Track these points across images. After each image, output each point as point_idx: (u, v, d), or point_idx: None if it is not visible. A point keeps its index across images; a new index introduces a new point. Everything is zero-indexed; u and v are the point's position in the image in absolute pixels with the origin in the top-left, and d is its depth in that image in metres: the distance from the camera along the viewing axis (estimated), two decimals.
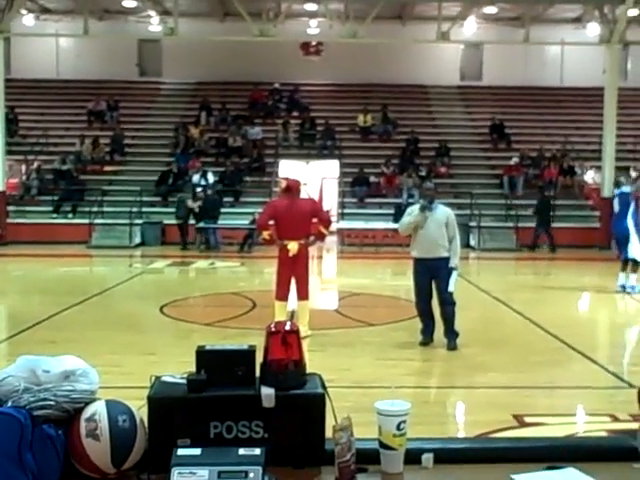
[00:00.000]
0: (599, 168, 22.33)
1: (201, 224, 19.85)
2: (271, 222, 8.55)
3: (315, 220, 8.64)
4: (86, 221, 20.79)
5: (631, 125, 25.18)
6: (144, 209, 21.70)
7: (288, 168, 24.46)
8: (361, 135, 25.65)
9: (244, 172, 23.29)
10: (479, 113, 26.60)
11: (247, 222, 19.62)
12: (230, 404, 2.65)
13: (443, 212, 8.04)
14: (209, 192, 20.76)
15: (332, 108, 26.43)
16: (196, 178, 21.81)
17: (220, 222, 20.19)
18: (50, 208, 21.61)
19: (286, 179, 9.35)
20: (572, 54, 27.49)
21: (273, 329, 2.76)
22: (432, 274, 8.03)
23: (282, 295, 8.46)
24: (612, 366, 7.49)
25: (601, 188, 21.82)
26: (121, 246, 19.65)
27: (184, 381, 2.67)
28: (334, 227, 23.02)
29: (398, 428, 2.54)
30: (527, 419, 5.79)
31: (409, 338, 8.78)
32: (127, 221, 20.60)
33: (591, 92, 24.85)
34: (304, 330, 8.52)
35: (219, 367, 2.70)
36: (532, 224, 21.17)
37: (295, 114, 26.23)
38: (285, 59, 26.24)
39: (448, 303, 8.08)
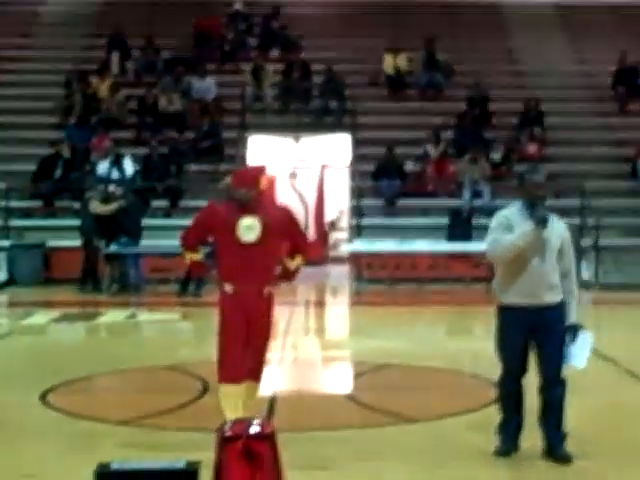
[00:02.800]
0: None
1: (112, 247, 19.84)
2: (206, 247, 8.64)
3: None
4: None
5: None
6: (12, 223, 21.75)
7: (264, 148, 24.51)
8: (390, 91, 25.77)
9: (187, 156, 23.30)
10: (594, 51, 26.78)
11: None
12: None
13: (556, 229, 8.04)
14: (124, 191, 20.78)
15: (338, 44, 26.58)
16: (103, 168, 21.81)
17: (144, 243, 20.15)
18: None
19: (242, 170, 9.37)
20: None
21: (228, 434, 2.73)
22: (533, 333, 7.99)
23: (233, 374, 8.43)
24: None
25: None
26: None
27: None
28: (344, 251, 23.15)
29: None
30: None
31: (479, 442, 8.72)
32: None
33: None
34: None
35: None
36: None
37: (274, 55, 26.33)
38: None
39: (556, 384, 8.05)
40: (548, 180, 20.60)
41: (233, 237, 8.29)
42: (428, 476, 7.85)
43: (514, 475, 8.00)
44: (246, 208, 8.34)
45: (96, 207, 19.99)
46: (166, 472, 2.70)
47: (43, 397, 10.49)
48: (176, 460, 2.56)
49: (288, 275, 8.78)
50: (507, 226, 7.97)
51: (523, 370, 8.10)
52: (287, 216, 8.76)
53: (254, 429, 2.62)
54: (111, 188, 20.66)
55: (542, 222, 7.83)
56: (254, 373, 8.51)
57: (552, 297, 7.90)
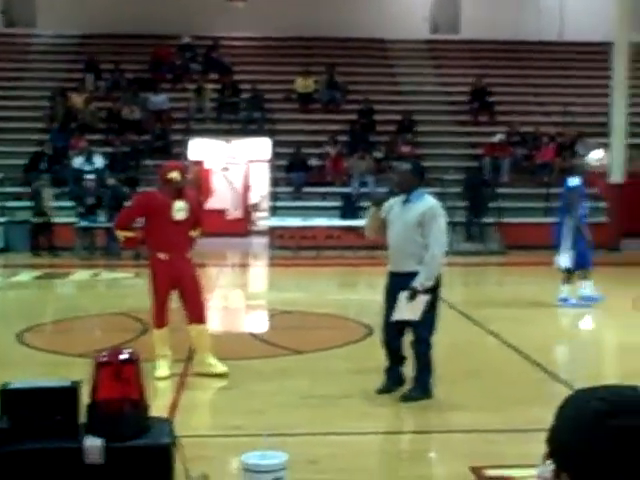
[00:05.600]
0: (607, 146, 22.68)
1: (84, 223, 19.62)
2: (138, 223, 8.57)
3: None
4: None
5: None
6: (8, 204, 21.45)
7: (202, 148, 24.39)
8: (300, 105, 25.70)
9: (143, 154, 23.11)
10: (454, 76, 26.87)
11: None
12: (44, 461, 2.58)
13: (418, 207, 7.50)
14: (109, 180, 20.58)
15: (261, 69, 26.46)
16: (78, 161, 21.59)
17: (101, 220, 19.96)
18: None
19: (173, 164, 9.26)
20: (574, 0, 27.99)
21: (103, 359, 2.71)
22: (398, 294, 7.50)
23: (162, 321, 8.43)
24: None
25: (609, 172, 22.18)
26: None
27: None
28: (263, 225, 23.13)
29: None
30: (489, 472, 5.81)
31: (349, 369, 8.79)
32: None
33: (597, 48, 25.28)
34: (214, 364, 8.48)
35: (30, 411, 2.64)
36: (522, 219, 21.46)
37: (213, 77, 26.14)
38: (200, 4, 26.15)
39: (417, 339, 7.60)
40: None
41: (168, 216, 8.26)
42: (308, 394, 7.89)
43: (370, 392, 7.96)
44: (178, 193, 8.34)
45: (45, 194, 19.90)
46: (53, 389, 2.65)
47: (20, 336, 10.43)
48: (61, 380, 2.52)
49: (192, 242, 8.76)
50: (385, 208, 7.68)
51: (396, 324, 7.57)
52: (197, 200, 9.00)
53: (123, 356, 2.58)
54: (88, 178, 20.48)
55: (375, 203, 7.74)
56: (199, 318, 8.48)
57: (409, 265, 7.41)
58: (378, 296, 15.47)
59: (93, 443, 2.44)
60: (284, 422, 6.96)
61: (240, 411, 7.38)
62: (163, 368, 8.36)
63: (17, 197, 21.78)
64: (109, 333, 11.16)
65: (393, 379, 7.79)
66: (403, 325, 7.57)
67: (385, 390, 7.74)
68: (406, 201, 7.55)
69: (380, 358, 9.12)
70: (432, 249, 7.37)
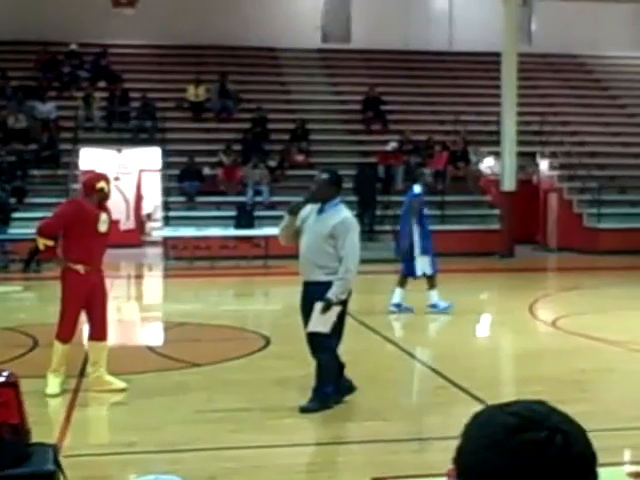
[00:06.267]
0: (498, 154, 23.04)
1: None
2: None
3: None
4: None
5: (537, 100, 26.20)
6: None
7: (92, 157, 23.89)
8: (192, 113, 25.45)
9: (30, 163, 22.50)
10: (347, 85, 26.98)
11: (34, 230, 18.85)
12: None
13: (331, 219, 7.43)
14: None
15: (152, 77, 26.12)
16: None
17: None
18: None
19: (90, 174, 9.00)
20: (463, 10, 28.37)
21: None
22: (309, 305, 7.45)
23: (69, 336, 8.11)
24: None
25: (501, 179, 22.51)
26: None
27: None
28: (156, 236, 22.71)
29: None
30: None
31: (247, 381, 8.62)
32: None
33: (487, 58, 25.66)
34: (112, 381, 8.23)
35: None
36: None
37: (101, 85, 25.66)
38: (88, 11, 25.64)
39: (316, 349, 7.51)
40: (310, 181, 20.65)
41: (94, 228, 8.01)
42: (204, 408, 7.67)
43: (264, 399, 7.80)
44: (101, 205, 8.09)
45: None
46: None
47: None
48: None
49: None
50: (300, 217, 7.55)
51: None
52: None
53: (0, 379, 2.35)
54: None
55: (291, 211, 7.63)
56: (103, 335, 8.26)
57: (317, 275, 7.39)
58: (274, 305, 15.50)
59: None
60: (181, 438, 6.75)
61: (135, 427, 7.13)
62: (54, 385, 8.07)
63: None
64: None
65: (342, 389, 7.69)
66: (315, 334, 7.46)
67: (338, 401, 7.63)
68: (320, 211, 7.50)
69: (279, 369, 9.01)
70: (346, 262, 7.33)
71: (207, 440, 6.76)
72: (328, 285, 7.29)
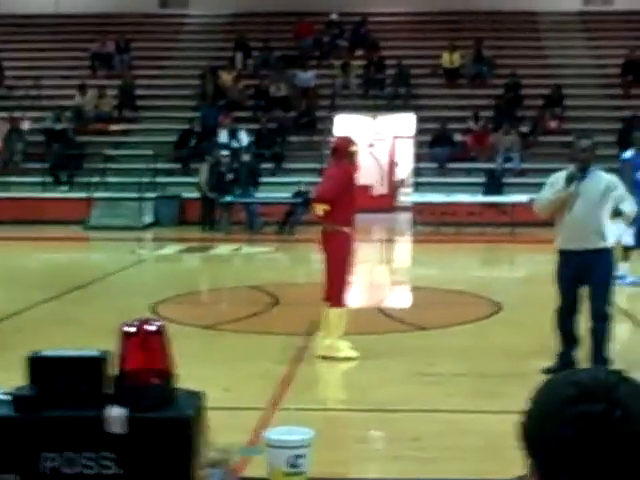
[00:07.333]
0: None
1: (228, 198, 19.89)
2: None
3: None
4: (84, 195, 21.12)
5: None
6: (158, 179, 21.91)
7: (347, 124, 24.35)
8: (446, 80, 25.39)
9: (289, 130, 23.27)
10: (608, 48, 25.99)
11: (290, 194, 19.58)
12: (70, 429, 2.55)
13: (600, 183, 7.22)
14: (244, 156, 20.86)
15: (408, 45, 26.23)
16: (222, 137, 21.89)
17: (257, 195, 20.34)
18: (39, 179, 22.01)
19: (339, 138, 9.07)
20: None
21: (129, 329, 2.66)
22: (581, 274, 7.26)
23: (346, 299, 8.18)
24: None
25: None
26: (128, 227, 19.91)
27: (9, 397, 2.60)
28: (408, 201, 22.90)
29: (292, 465, 2.41)
30: None
31: (469, 347, 8.60)
32: (136, 195, 20.82)
33: None
34: (343, 349, 8.17)
35: (57, 380, 2.62)
36: None
37: (359, 53, 26.07)
38: None
39: (600, 317, 7.32)
40: (563, 148, 20.15)
41: (354, 190, 8.15)
42: (421, 370, 7.75)
43: (485, 365, 7.73)
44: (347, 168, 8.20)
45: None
46: (81, 359, 2.63)
47: (154, 308, 10.57)
48: (89, 351, 2.51)
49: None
50: (552, 184, 7.35)
51: (574, 305, 7.37)
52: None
53: (149, 327, 2.54)
54: (224, 155, 20.80)
55: (569, 180, 7.18)
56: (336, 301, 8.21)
57: (595, 243, 7.20)
58: (517, 273, 15.29)
59: (115, 413, 2.38)
60: (394, 399, 6.88)
61: (346, 386, 7.33)
62: (348, 349, 8.09)
63: (168, 173, 22.31)
64: (238, 306, 11.28)
65: (563, 361, 7.44)
66: (576, 304, 7.36)
67: (551, 370, 7.26)
68: (582, 177, 7.21)
69: (506, 335, 8.89)
70: (631, 205, 7.39)
71: (419, 402, 6.85)
72: (604, 252, 7.23)
